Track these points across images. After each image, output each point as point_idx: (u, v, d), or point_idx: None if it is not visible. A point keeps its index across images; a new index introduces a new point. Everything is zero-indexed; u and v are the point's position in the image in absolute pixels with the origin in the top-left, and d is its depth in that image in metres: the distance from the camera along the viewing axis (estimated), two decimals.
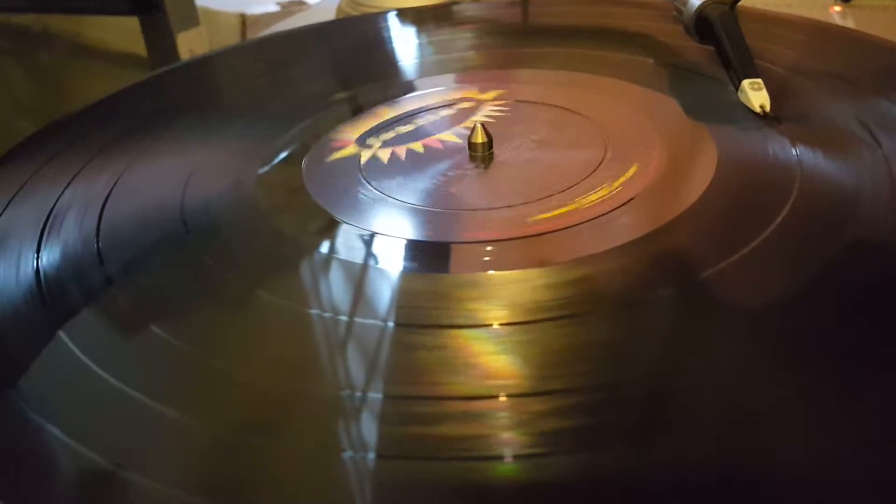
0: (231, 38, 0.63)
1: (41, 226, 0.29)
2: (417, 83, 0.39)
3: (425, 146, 0.32)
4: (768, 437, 0.18)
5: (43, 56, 0.61)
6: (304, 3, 0.66)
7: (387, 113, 0.35)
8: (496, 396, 0.20)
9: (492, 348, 0.22)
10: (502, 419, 0.20)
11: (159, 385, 0.22)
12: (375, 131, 0.34)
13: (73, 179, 0.32)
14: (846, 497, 0.17)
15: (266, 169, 0.32)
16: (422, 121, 0.35)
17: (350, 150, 0.33)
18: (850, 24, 0.47)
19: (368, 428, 0.20)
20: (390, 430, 0.20)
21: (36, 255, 0.27)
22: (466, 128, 0.32)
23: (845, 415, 0.19)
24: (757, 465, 0.18)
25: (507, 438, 0.19)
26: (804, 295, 0.22)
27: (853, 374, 0.20)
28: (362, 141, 0.33)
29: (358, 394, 0.21)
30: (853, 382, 0.20)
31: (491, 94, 0.36)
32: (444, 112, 0.35)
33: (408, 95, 0.37)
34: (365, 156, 0.32)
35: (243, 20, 0.64)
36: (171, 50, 0.55)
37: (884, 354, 0.20)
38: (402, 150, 0.32)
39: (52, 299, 0.26)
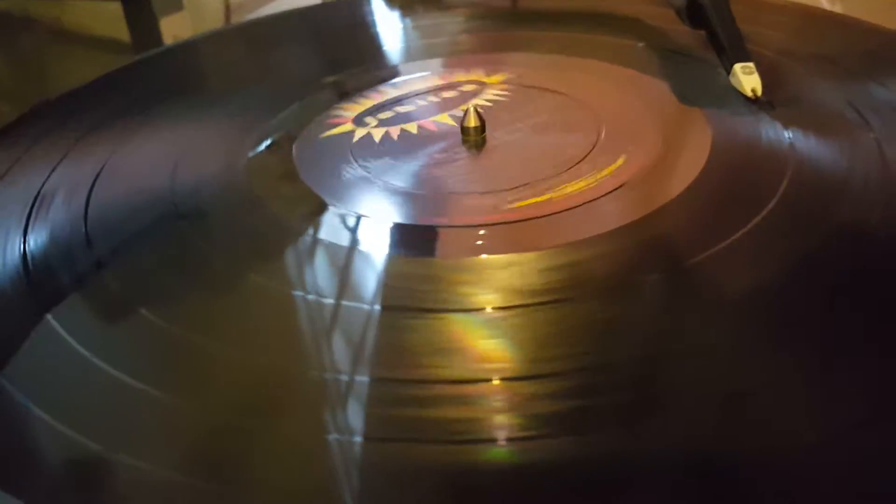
0: (215, 22, 0.63)
1: (28, 209, 0.29)
2: (406, 67, 0.39)
3: (417, 130, 0.32)
4: (757, 419, 0.18)
5: (24, 41, 0.60)
6: None
7: (375, 97, 0.35)
8: (487, 380, 0.20)
9: (482, 332, 0.22)
10: (493, 402, 0.20)
11: (148, 368, 0.22)
12: (364, 115, 0.34)
13: (59, 163, 0.32)
14: (834, 478, 0.17)
15: (255, 152, 0.32)
16: (412, 105, 0.34)
17: (341, 130, 0.32)
18: (838, 8, 0.47)
19: (358, 410, 0.20)
20: (380, 412, 0.20)
21: (23, 239, 0.27)
22: (459, 112, 0.32)
23: (834, 398, 0.19)
24: (746, 447, 0.18)
25: (498, 421, 0.19)
26: (796, 278, 0.23)
27: (844, 358, 0.20)
28: (357, 122, 0.33)
29: (347, 377, 0.21)
30: (844, 365, 0.20)
31: (481, 79, 0.36)
32: (435, 97, 0.35)
33: (397, 79, 0.37)
34: (356, 138, 0.32)
35: (227, 4, 0.63)
36: (155, 35, 0.55)
37: (874, 337, 0.20)
38: (394, 133, 0.32)
39: (40, 283, 0.25)
